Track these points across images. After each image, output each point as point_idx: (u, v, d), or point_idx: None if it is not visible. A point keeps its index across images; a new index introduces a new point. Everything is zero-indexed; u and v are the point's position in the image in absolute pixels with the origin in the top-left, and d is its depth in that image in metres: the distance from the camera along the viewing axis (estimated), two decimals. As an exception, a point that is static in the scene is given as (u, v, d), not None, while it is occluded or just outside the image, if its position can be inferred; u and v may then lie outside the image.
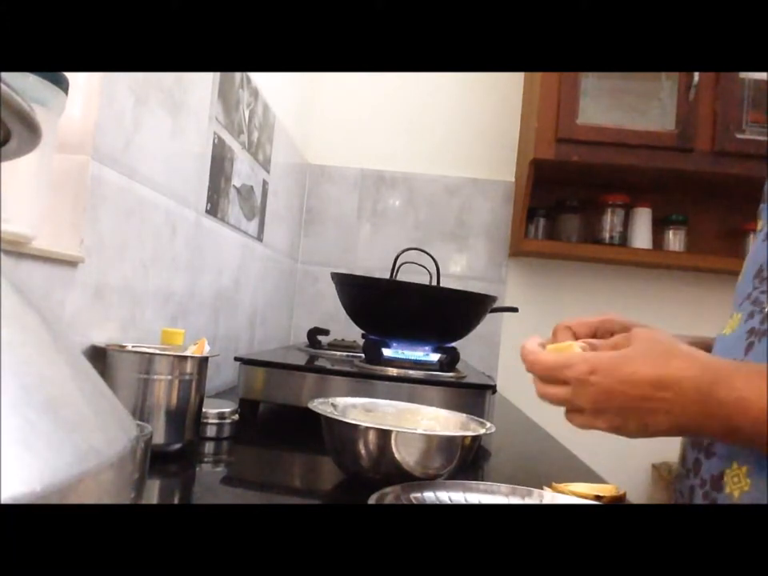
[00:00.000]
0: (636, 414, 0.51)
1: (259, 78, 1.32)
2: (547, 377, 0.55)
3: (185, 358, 0.71)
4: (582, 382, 0.52)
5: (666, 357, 0.51)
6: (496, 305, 1.16)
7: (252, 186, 1.35)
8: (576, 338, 0.61)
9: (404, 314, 1.06)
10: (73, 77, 0.64)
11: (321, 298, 1.94)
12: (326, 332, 1.38)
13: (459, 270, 1.93)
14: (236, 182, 1.24)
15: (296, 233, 1.90)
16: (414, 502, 0.54)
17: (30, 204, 0.61)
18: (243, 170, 1.27)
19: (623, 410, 0.51)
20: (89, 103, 0.72)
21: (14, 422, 0.17)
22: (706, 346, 0.66)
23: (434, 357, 1.07)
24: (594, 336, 0.63)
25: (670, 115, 1.62)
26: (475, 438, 0.67)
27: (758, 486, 0.54)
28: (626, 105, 1.69)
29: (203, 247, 1.11)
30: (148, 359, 0.69)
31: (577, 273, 1.92)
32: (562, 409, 0.56)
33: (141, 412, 0.67)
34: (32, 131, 0.23)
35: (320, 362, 1.07)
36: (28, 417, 0.17)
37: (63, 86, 0.61)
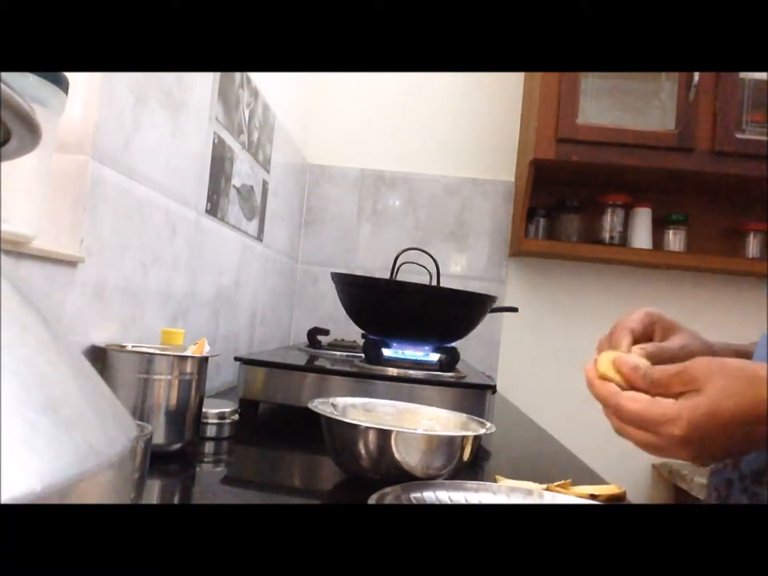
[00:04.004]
0: (734, 449, 0.50)
1: (259, 78, 1.32)
2: (636, 425, 0.52)
3: (185, 358, 0.71)
4: (679, 442, 0.49)
5: (753, 385, 0.48)
6: (496, 305, 1.16)
7: (252, 186, 1.35)
8: (634, 339, 0.59)
9: (404, 314, 1.06)
10: (73, 77, 0.64)
11: (321, 298, 1.94)
12: (326, 332, 1.38)
13: (459, 270, 1.93)
14: (236, 181, 1.24)
15: (296, 233, 1.90)
16: (414, 501, 0.54)
17: (29, 204, 0.61)
18: (243, 170, 1.27)
19: (723, 448, 0.50)
20: (89, 103, 0.72)
21: (14, 422, 0.17)
22: (742, 354, 0.65)
23: (434, 357, 1.07)
24: (644, 332, 0.61)
25: (670, 115, 1.62)
26: (475, 438, 0.67)
27: None
28: (626, 105, 1.69)
29: (203, 247, 1.11)
30: (148, 359, 0.69)
31: (577, 273, 1.92)
32: (562, 409, 0.55)
33: (141, 412, 0.67)
34: (32, 131, 0.23)
35: (320, 362, 1.07)
36: (28, 417, 0.17)
37: (63, 86, 0.61)
